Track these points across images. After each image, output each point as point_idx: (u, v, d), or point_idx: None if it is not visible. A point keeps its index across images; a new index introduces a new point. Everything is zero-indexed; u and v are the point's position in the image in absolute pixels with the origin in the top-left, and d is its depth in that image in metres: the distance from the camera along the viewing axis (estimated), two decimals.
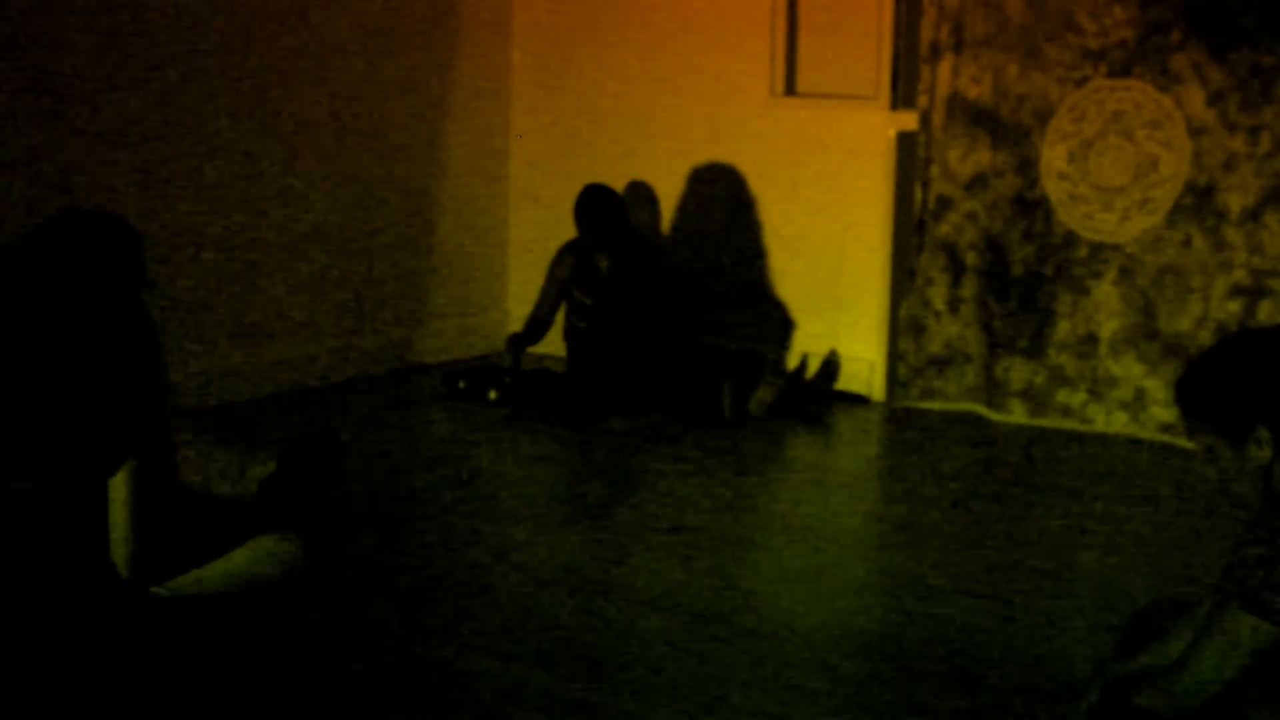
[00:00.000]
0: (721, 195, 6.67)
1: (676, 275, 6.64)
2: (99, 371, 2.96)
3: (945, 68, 6.00)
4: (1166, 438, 5.72)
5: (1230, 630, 2.64)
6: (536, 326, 6.44)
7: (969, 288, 6.07)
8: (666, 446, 5.65)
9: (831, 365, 6.36)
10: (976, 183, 6.01)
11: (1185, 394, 2.84)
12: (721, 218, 6.68)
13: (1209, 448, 2.83)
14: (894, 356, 6.30)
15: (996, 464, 5.57)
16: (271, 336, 6.19)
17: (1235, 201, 5.53)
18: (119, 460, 2.94)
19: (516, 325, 6.64)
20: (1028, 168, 5.90)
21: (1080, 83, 5.77)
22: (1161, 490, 5.21)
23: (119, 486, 2.96)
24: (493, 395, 6.11)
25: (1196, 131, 5.58)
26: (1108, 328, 5.81)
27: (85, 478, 2.95)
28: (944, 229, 6.09)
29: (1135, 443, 5.74)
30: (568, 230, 6.49)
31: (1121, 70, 5.69)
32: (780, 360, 6.49)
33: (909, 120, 6.16)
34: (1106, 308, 5.81)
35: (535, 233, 7.03)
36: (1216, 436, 2.78)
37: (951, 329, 6.13)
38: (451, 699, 3.44)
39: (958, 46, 5.97)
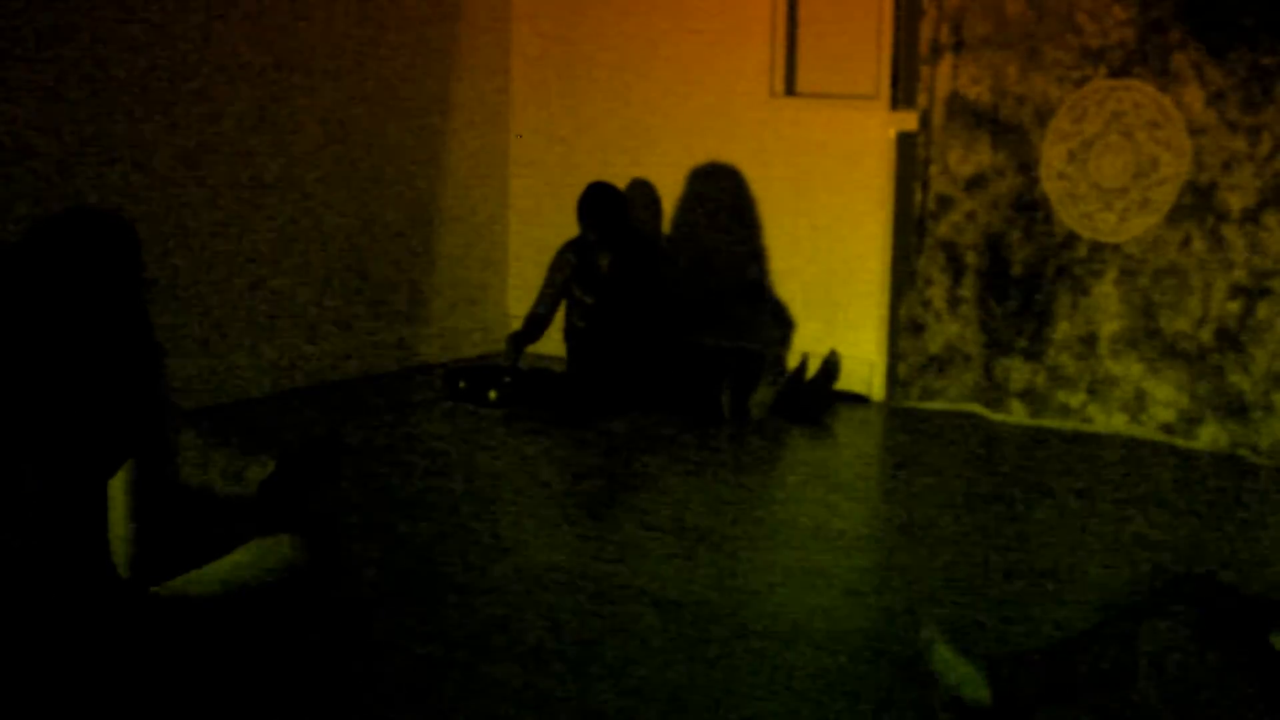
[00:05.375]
0: (722, 195, 6.67)
1: (677, 275, 6.64)
2: (98, 371, 2.96)
3: (945, 68, 6.00)
4: (1166, 438, 5.72)
5: None
6: (535, 324, 6.44)
7: (969, 288, 6.07)
8: (666, 446, 5.65)
9: (831, 365, 6.36)
10: (976, 183, 6.01)
11: None
12: (722, 218, 6.68)
13: None
14: (894, 356, 6.31)
15: (996, 464, 5.57)
16: (272, 336, 6.19)
17: (1235, 201, 5.53)
18: (119, 460, 2.94)
19: (516, 325, 6.64)
20: (1028, 168, 5.90)
21: (1080, 83, 5.77)
22: (1161, 490, 5.21)
23: (119, 486, 2.96)
24: (493, 395, 6.11)
25: (1196, 131, 5.58)
26: (1108, 328, 5.81)
27: (85, 478, 2.95)
28: (944, 229, 6.09)
29: (1135, 443, 5.74)
30: (568, 229, 6.49)
31: (1121, 70, 5.69)
32: (780, 360, 6.50)
33: (909, 120, 6.16)
34: (1106, 308, 5.81)
35: (535, 233, 7.03)
36: None
37: (951, 329, 6.14)
38: (451, 699, 3.44)
39: (958, 46, 5.97)
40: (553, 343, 6.58)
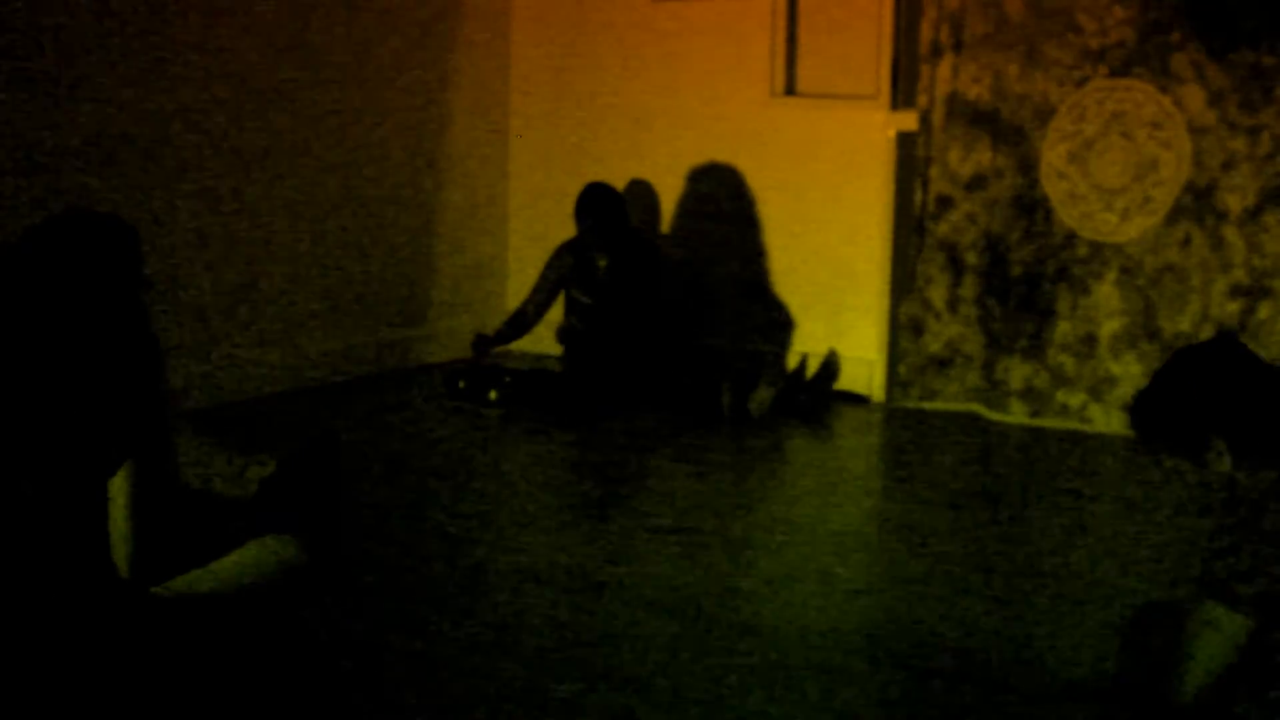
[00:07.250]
0: (721, 195, 6.67)
1: (676, 275, 6.64)
2: (98, 371, 2.96)
3: (945, 68, 6.00)
4: None
5: (1208, 624, 2.67)
6: (518, 323, 6.43)
7: (969, 288, 6.07)
8: (666, 446, 5.65)
9: (831, 365, 6.36)
10: (976, 183, 6.01)
11: (1138, 422, 2.91)
12: (721, 218, 6.68)
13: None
14: (894, 356, 6.30)
15: (996, 464, 5.56)
16: (271, 336, 6.19)
17: (1235, 201, 5.53)
18: (119, 460, 2.94)
19: None
20: (1028, 168, 5.90)
21: (1080, 83, 5.77)
22: (1161, 490, 5.21)
23: (119, 486, 2.95)
24: (493, 395, 6.11)
25: (1196, 131, 5.58)
26: (1108, 328, 5.81)
27: (85, 478, 2.94)
28: (944, 229, 6.08)
29: (1136, 443, 5.72)
30: (567, 230, 6.49)
31: (1121, 70, 5.69)
32: (780, 360, 6.49)
33: (909, 120, 6.16)
34: (1106, 308, 5.81)
35: (535, 233, 7.03)
36: (1176, 456, 2.87)
37: (951, 329, 6.13)
38: (452, 699, 3.44)
39: (958, 46, 5.97)
40: (553, 343, 6.58)
